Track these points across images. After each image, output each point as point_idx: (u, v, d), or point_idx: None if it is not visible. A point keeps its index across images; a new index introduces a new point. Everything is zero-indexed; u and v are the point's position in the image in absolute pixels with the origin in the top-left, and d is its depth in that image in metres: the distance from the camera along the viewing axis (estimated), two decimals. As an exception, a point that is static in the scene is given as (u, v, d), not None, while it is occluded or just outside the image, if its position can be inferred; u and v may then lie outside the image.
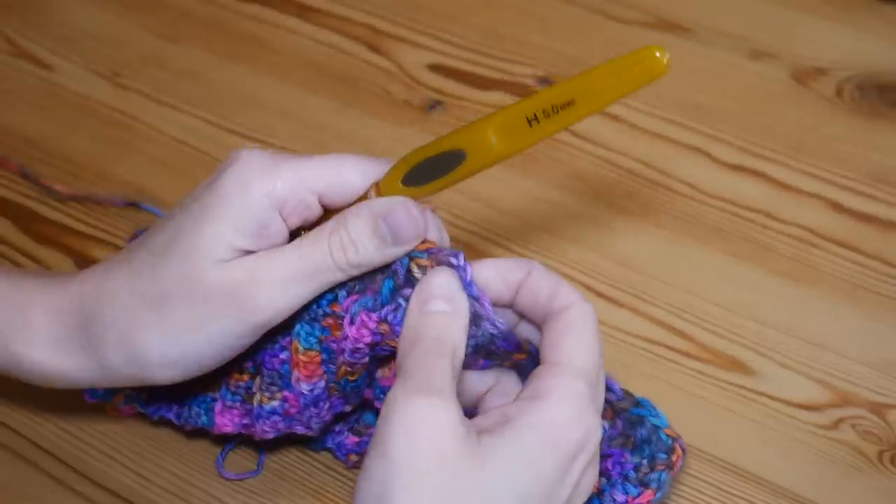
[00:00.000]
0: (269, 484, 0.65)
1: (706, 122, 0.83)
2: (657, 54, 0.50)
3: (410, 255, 0.56)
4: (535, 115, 0.54)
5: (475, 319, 0.55)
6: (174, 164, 0.82)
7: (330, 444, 0.65)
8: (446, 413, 0.51)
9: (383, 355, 0.59)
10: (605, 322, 0.71)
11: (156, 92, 0.87)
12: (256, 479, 0.65)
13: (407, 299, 0.56)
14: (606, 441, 0.59)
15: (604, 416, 0.58)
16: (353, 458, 0.64)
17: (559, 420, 0.52)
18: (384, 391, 0.61)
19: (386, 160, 0.58)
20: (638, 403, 0.60)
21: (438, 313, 0.54)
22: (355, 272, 0.56)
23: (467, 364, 0.56)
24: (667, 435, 0.59)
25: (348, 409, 0.62)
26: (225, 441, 0.66)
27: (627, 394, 0.60)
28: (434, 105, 0.85)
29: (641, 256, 0.75)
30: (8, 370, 0.60)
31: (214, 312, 0.55)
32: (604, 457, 0.59)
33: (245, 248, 0.56)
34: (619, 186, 0.79)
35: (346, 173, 0.57)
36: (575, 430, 0.53)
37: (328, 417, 0.61)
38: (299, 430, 0.61)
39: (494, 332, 0.56)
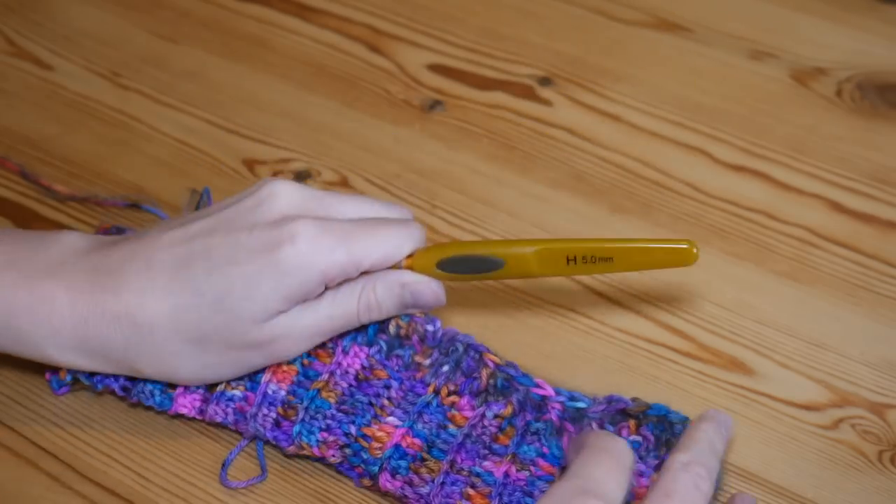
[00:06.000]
0: (270, 485, 0.65)
1: (706, 122, 0.82)
2: (693, 250, 0.59)
3: None
4: (575, 257, 0.60)
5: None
6: (174, 164, 0.82)
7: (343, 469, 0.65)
8: None
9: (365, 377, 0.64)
10: (606, 322, 0.71)
11: (156, 92, 0.87)
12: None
13: (386, 343, 0.64)
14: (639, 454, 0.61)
15: (627, 433, 0.61)
16: (366, 482, 0.63)
17: None
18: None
19: (421, 229, 0.64)
20: (653, 410, 0.62)
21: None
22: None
23: None
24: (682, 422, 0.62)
25: (284, 443, 0.64)
26: (224, 441, 0.66)
27: (638, 401, 0.62)
28: (434, 105, 0.85)
29: (641, 256, 0.75)
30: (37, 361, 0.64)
31: (248, 355, 0.62)
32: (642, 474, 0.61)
33: (286, 310, 0.61)
34: (619, 186, 0.79)
35: (391, 255, 0.62)
36: None
37: (269, 427, 0.63)
38: (241, 427, 0.64)
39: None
